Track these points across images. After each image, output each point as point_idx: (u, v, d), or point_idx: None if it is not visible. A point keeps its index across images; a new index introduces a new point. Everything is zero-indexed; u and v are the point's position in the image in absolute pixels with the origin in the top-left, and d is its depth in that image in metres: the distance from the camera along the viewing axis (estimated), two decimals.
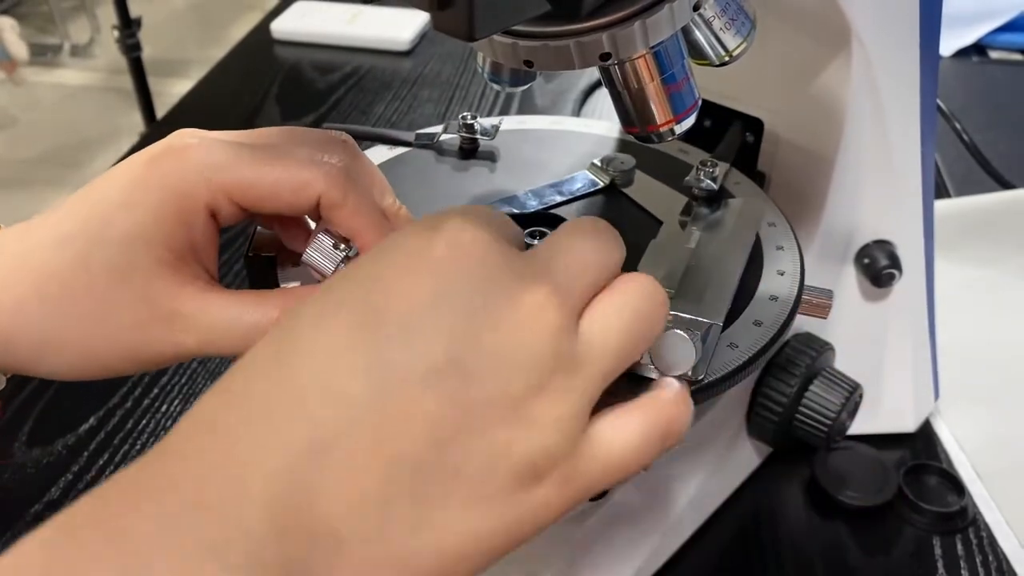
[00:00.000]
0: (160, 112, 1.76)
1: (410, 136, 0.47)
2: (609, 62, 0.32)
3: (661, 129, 0.35)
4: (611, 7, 0.31)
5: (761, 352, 0.34)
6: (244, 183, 0.32)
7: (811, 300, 0.39)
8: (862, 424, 0.57)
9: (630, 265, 0.38)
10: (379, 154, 0.47)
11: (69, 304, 0.32)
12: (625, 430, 0.28)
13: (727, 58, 0.37)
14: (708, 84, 0.51)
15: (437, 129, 0.48)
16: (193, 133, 0.33)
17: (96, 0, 2.97)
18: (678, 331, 0.31)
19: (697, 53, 0.37)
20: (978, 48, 1.07)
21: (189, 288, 0.32)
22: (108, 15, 1.64)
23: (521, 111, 0.96)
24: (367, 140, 0.48)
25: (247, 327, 0.32)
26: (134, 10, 1.74)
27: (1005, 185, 0.78)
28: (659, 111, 0.34)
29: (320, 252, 0.34)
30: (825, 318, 0.40)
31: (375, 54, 1.08)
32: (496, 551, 0.26)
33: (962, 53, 1.06)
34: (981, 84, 1.02)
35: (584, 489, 0.27)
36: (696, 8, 0.32)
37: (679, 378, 0.32)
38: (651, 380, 0.31)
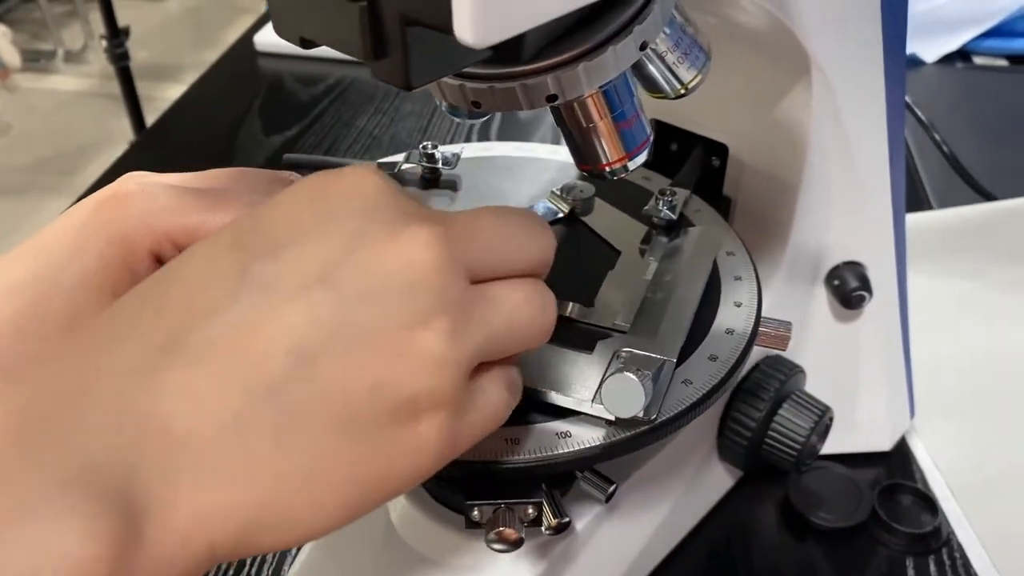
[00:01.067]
0: (151, 118, 1.76)
1: (371, 166, 0.47)
2: (556, 103, 0.32)
3: (614, 166, 0.35)
4: (555, 49, 0.31)
5: (716, 388, 0.34)
6: (188, 228, 0.32)
7: (769, 332, 0.39)
8: (836, 443, 0.57)
9: (587, 295, 0.39)
10: None
11: (22, 352, 0.32)
12: (497, 384, 0.28)
13: (683, 91, 0.37)
14: (673, 109, 0.51)
15: (398, 158, 0.48)
16: (138, 179, 0.33)
17: (89, 6, 2.97)
18: (628, 373, 0.30)
19: (652, 87, 0.37)
20: (962, 54, 1.06)
21: None
22: (101, 22, 1.64)
23: (503, 128, 0.96)
24: (327, 170, 0.48)
25: None
26: (128, 16, 1.74)
27: (986, 197, 0.78)
28: (610, 149, 0.34)
29: None
30: (784, 350, 0.40)
31: (358, 66, 1.07)
32: (368, 487, 0.25)
33: (946, 59, 1.05)
34: (965, 91, 1.01)
35: (465, 438, 0.27)
36: (643, 47, 0.32)
37: (631, 420, 0.32)
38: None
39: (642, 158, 0.35)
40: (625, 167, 0.35)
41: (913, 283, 0.61)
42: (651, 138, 0.35)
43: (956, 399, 0.63)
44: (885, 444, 0.59)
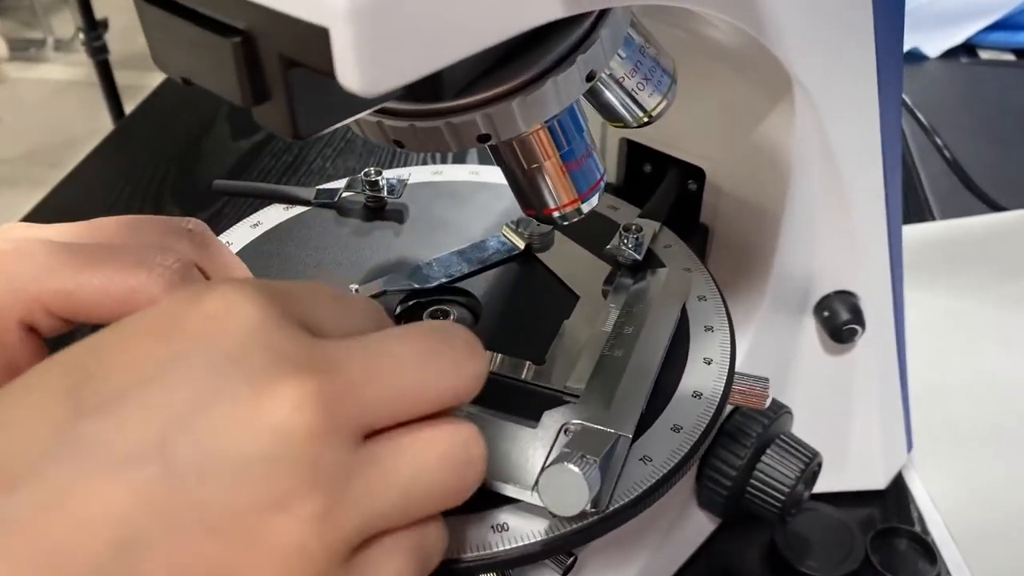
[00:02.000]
0: (130, 108, 1.72)
1: (309, 193, 0.43)
2: (490, 143, 0.27)
3: (564, 210, 0.31)
4: (485, 83, 0.26)
5: (679, 467, 0.30)
6: (61, 293, 0.27)
7: (743, 391, 0.34)
8: (827, 482, 0.52)
9: (538, 349, 0.34)
10: (274, 215, 0.43)
11: None
12: (395, 558, 0.23)
13: (646, 119, 0.33)
14: (647, 129, 0.46)
15: (339, 185, 0.43)
16: (12, 234, 0.29)
17: None
18: (568, 464, 0.26)
19: (611, 115, 0.33)
20: (967, 48, 1.01)
21: None
22: (93, 8, 1.59)
23: None
24: (260, 198, 0.43)
25: None
26: (112, 4, 1.69)
27: (992, 207, 0.73)
28: (559, 192, 0.30)
29: None
30: (762, 408, 0.35)
31: None
32: None
33: (950, 54, 1.00)
34: (970, 88, 0.96)
35: None
36: (591, 78, 0.27)
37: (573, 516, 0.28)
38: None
39: (595, 199, 0.31)
40: (578, 210, 0.31)
41: (912, 301, 0.57)
42: (604, 176, 0.31)
43: (958, 430, 0.58)
44: (880, 482, 0.55)
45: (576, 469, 0.26)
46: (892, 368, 0.52)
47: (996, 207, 0.73)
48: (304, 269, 0.40)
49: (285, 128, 0.23)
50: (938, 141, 0.75)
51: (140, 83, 2.34)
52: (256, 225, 0.42)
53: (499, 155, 0.30)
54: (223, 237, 0.41)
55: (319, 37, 0.19)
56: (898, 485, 0.56)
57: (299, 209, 0.43)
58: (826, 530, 0.52)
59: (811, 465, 0.46)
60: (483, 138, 0.27)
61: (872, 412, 0.52)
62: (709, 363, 0.34)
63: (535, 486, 0.28)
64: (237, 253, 0.40)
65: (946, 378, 0.61)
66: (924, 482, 0.56)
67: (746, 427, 0.46)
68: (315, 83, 0.22)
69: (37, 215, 0.79)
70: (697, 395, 0.32)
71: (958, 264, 0.69)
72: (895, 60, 0.42)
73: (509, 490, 0.29)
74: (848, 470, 0.54)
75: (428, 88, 0.25)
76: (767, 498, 0.46)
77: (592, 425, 0.30)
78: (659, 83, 0.32)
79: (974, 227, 0.71)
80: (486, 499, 0.29)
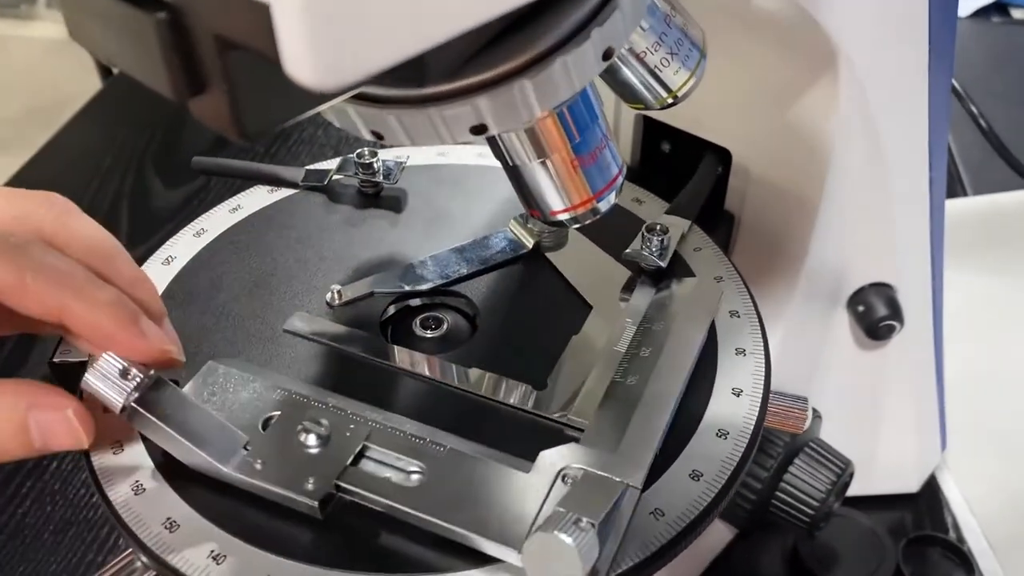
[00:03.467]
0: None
1: (298, 174, 0.38)
2: (486, 134, 0.23)
3: (577, 211, 0.26)
4: (481, 62, 0.22)
5: (696, 523, 0.26)
6: None
7: (779, 413, 0.30)
8: (857, 486, 0.48)
9: (539, 370, 0.30)
10: (257, 198, 0.38)
11: None
12: None
13: (670, 100, 0.28)
14: None
15: (330, 165, 0.38)
16: None
17: None
18: (560, 534, 0.22)
19: (630, 95, 0.28)
20: (999, 6, 0.95)
21: None
22: None
23: None
24: (241, 179, 0.38)
25: None
26: None
27: None
28: (569, 190, 0.25)
29: (102, 380, 0.25)
30: (800, 431, 0.31)
31: None
32: None
33: (981, 13, 0.95)
34: (1002, 49, 0.91)
35: None
36: (607, 56, 0.22)
37: None
38: None
39: (613, 197, 0.26)
40: (593, 211, 0.26)
41: (944, 283, 0.52)
42: (623, 171, 0.26)
43: (994, 425, 0.54)
44: (912, 485, 0.51)
45: (568, 540, 0.21)
46: (928, 363, 0.48)
47: None
48: (286, 261, 0.35)
49: (227, 125, 0.18)
50: (972, 108, 0.70)
51: None
52: (235, 209, 0.37)
53: (498, 148, 0.25)
54: (197, 223, 0.37)
55: (259, 13, 0.15)
56: (931, 488, 0.52)
57: (285, 192, 0.38)
58: (854, 538, 0.48)
59: (843, 476, 0.42)
60: (478, 129, 0.22)
61: (906, 410, 0.48)
62: (738, 395, 0.29)
63: (523, 547, 0.24)
64: (209, 244, 0.36)
65: (979, 368, 0.57)
66: (959, 484, 0.52)
67: (772, 433, 0.42)
68: (263, 68, 0.17)
69: (19, 183, 0.75)
70: (722, 434, 0.28)
71: (992, 244, 0.65)
72: (948, 30, 0.37)
73: (493, 549, 0.24)
74: (878, 472, 0.50)
75: (411, 70, 0.20)
76: (795, 512, 0.42)
77: (595, 471, 0.25)
78: (686, 58, 0.27)
79: (1010, 203, 0.66)
80: (468, 556, 0.25)
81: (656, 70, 0.27)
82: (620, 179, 0.26)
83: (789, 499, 0.42)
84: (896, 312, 0.43)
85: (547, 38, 0.22)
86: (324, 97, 0.18)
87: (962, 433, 0.53)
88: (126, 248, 0.30)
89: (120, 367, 0.25)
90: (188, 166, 0.40)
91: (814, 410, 0.44)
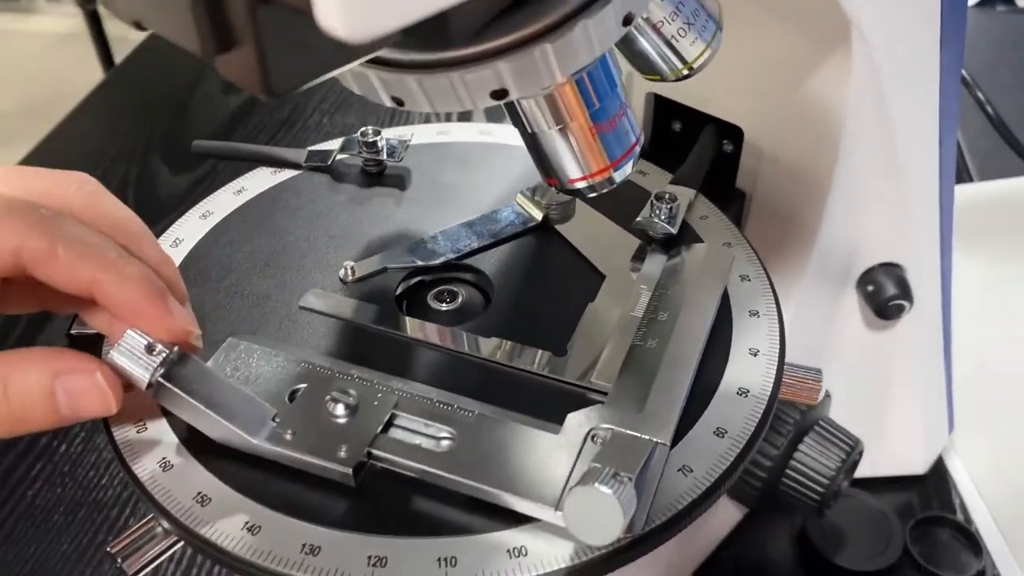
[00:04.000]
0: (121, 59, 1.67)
1: (300, 155, 0.38)
2: (506, 99, 0.23)
3: (594, 179, 0.26)
4: (505, 24, 0.22)
5: (724, 477, 0.26)
6: None
7: (794, 384, 0.30)
8: (864, 467, 0.48)
9: (558, 337, 0.31)
10: (260, 179, 0.38)
11: None
12: None
13: (685, 71, 0.28)
14: (674, 83, 0.41)
15: (333, 146, 0.39)
16: None
17: None
18: (600, 486, 0.22)
19: (645, 66, 0.28)
20: None
21: None
22: None
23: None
24: (245, 160, 0.39)
25: None
26: None
27: None
28: (587, 158, 0.26)
29: (127, 356, 0.25)
30: (814, 403, 0.31)
31: None
32: None
33: (987, 2, 0.95)
34: (1009, 38, 0.91)
35: None
36: (628, 21, 0.22)
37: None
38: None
39: (630, 167, 0.27)
40: (610, 180, 0.26)
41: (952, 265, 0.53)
42: (640, 140, 0.26)
43: (1002, 408, 0.54)
44: (919, 467, 0.51)
45: (609, 491, 0.22)
46: (936, 344, 0.48)
47: None
48: (294, 241, 0.35)
49: (255, 82, 0.18)
50: (980, 96, 0.70)
51: (132, 34, 2.28)
52: (240, 192, 0.37)
53: (516, 114, 0.25)
54: (202, 205, 0.37)
55: None
56: (938, 470, 0.52)
57: (288, 173, 0.38)
58: (862, 519, 0.49)
59: (852, 454, 0.43)
60: (499, 94, 0.22)
61: (914, 391, 0.49)
62: (755, 354, 0.30)
63: (559, 504, 0.24)
64: (216, 225, 0.36)
65: (987, 353, 0.57)
66: (966, 466, 0.52)
67: (782, 412, 0.42)
68: (292, 25, 0.17)
69: None
70: (743, 392, 0.28)
71: (999, 230, 0.65)
72: (960, 9, 0.37)
73: (528, 508, 0.25)
74: (886, 454, 0.50)
75: (433, 33, 0.20)
76: (805, 490, 0.42)
77: (624, 431, 0.26)
78: (703, 29, 0.28)
79: (1017, 189, 0.67)
80: (501, 517, 0.25)
81: (673, 40, 0.27)
82: (637, 148, 0.26)
83: (799, 477, 0.42)
84: (906, 292, 0.43)
85: (569, 2, 0.22)
86: (352, 53, 0.18)
87: (970, 416, 0.53)
88: None
89: (146, 343, 0.25)
90: (193, 155, 0.40)
91: (824, 389, 0.44)
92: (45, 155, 0.79)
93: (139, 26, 0.20)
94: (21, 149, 0.85)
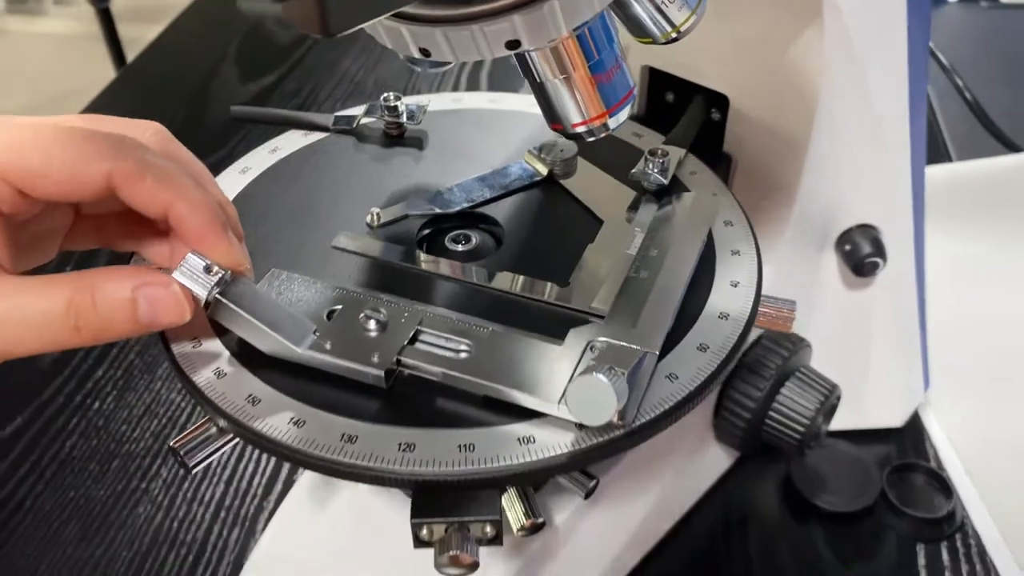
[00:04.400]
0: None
1: (328, 119, 0.42)
2: (519, 50, 0.27)
3: (592, 124, 0.30)
4: None
5: (705, 385, 0.30)
6: (18, 163, 0.28)
7: (770, 313, 0.34)
8: (844, 419, 0.52)
9: (562, 272, 0.34)
10: (292, 141, 0.42)
11: None
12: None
13: (674, 34, 0.32)
14: (669, 56, 0.45)
15: (357, 111, 0.42)
16: None
17: None
18: (598, 374, 0.26)
19: (638, 30, 0.32)
20: None
21: None
22: None
23: (495, 73, 0.90)
24: (278, 124, 0.42)
25: (35, 316, 0.28)
26: None
27: (1010, 147, 0.72)
28: (587, 104, 0.29)
29: (188, 276, 0.29)
30: (787, 331, 0.35)
31: None
32: None
33: None
34: (990, 32, 0.95)
35: None
36: None
37: (604, 424, 0.27)
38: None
39: (624, 114, 0.30)
40: (605, 126, 0.30)
41: (929, 243, 0.56)
42: (634, 91, 0.30)
43: (975, 370, 0.58)
44: (896, 420, 0.55)
45: (605, 379, 0.26)
46: (911, 304, 0.52)
47: (1015, 148, 0.72)
48: (324, 193, 0.39)
49: (314, 25, 0.22)
50: (958, 82, 0.74)
51: (140, 35, 2.32)
52: (274, 151, 0.41)
53: (527, 66, 0.29)
54: (241, 162, 0.40)
55: None
56: (915, 424, 0.55)
57: (317, 136, 0.42)
58: (842, 466, 0.52)
59: (830, 398, 0.46)
60: (512, 44, 0.26)
61: (890, 348, 0.52)
62: (736, 285, 0.33)
63: (561, 400, 0.28)
64: (254, 179, 0.40)
65: (960, 318, 0.61)
66: (940, 421, 0.55)
67: (765, 359, 0.46)
68: None
69: None
70: (724, 316, 0.32)
71: (976, 205, 0.69)
72: None
73: (535, 403, 0.28)
74: (865, 407, 0.54)
75: None
76: (787, 430, 0.46)
77: (618, 343, 0.29)
78: None
79: (993, 168, 0.70)
80: (512, 413, 0.29)
81: (662, 6, 0.31)
82: (630, 98, 0.30)
83: (781, 419, 0.46)
84: (880, 250, 0.47)
85: None
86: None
87: (944, 375, 0.57)
88: None
89: (204, 264, 0.29)
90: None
91: (804, 339, 0.48)
92: None
93: None
94: None
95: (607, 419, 0.26)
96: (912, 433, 0.55)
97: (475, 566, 0.28)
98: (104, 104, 0.89)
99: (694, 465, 0.48)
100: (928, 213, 0.59)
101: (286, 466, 0.54)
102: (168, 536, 0.50)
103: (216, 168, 0.50)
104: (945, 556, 0.48)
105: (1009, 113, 0.76)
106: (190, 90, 0.90)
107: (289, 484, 0.52)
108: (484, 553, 0.38)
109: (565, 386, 0.28)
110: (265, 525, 0.50)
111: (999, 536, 0.49)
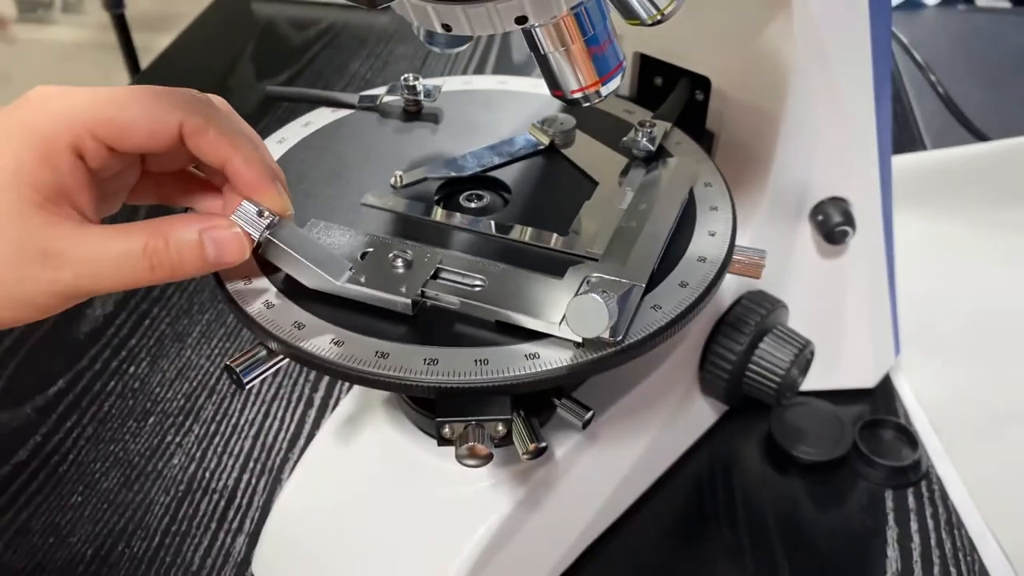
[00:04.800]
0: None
1: (354, 98, 0.47)
2: (526, 25, 0.32)
3: (587, 91, 0.35)
4: None
5: (684, 313, 0.35)
6: (103, 118, 0.32)
7: (742, 260, 0.39)
8: (821, 380, 0.57)
9: (562, 224, 0.39)
10: (322, 116, 0.47)
11: None
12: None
13: (659, 16, 0.37)
14: (657, 42, 0.50)
15: (380, 91, 0.48)
16: (53, 86, 0.34)
17: None
18: (593, 294, 0.31)
19: (628, 12, 0.37)
20: None
21: (60, 228, 0.32)
22: None
23: (497, 68, 0.95)
24: (310, 103, 0.48)
25: (116, 256, 0.32)
26: None
27: (980, 137, 0.78)
28: (583, 73, 0.34)
29: (243, 219, 0.34)
30: (758, 278, 0.40)
31: (350, 10, 1.06)
32: None
33: (948, 2, 1.04)
34: (967, 34, 1.00)
35: None
36: None
37: (597, 342, 0.32)
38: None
39: (615, 83, 0.35)
40: (598, 92, 0.35)
41: (903, 223, 0.61)
42: (623, 64, 0.35)
43: (942, 339, 0.63)
44: (869, 381, 0.59)
45: (598, 298, 0.31)
46: (881, 272, 0.57)
47: (984, 138, 0.77)
48: (352, 160, 0.44)
49: None
50: (932, 78, 0.79)
51: (148, 44, 2.37)
52: (307, 125, 0.46)
53: (532, 39, 0.34)
54: (278, 134, 0.46)
55: None
56: (886, 386, 0.60)
57: (344, 112, 0.47)
58: (818, 421, 0.57)
59: (804, 352, 0.51)
60: (521, 20, 0.31)
61: (863, 313, 0.57)
62: (713, 235, 0.38)
63: (562, 321, 0.33)
64: (290, 149, 0.45)
65: (929, 291, 0.66)
66: (910, 383, 0.60)
67: (745, 317, 0.51)
68: None
69: None
70: (702, 259, 0.37)
71: (946, 190, 0.74)
72: None
73: (539, 325, 0.33)
74: (840, 369, 0.58)
75: None
76: (765, 380, 0.51)
77: (610, 277, 0.34)
78: None
79: (964, 156, 0.76)
80: (520, 335, 0.34)
81: None
82: (621, 69, 0.35)
83: (760, 370, 0.51)
84: (849, 220, 0.52)
85: None
86: None
87: (915, 343, 0.61)
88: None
89: (257, 209, 0.34)
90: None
91: (780, 300, 0.53)
92: None
93: None
94: None
95: (600, 332, 0.31)
96: (884, 394, 0.60)
97: (490, 457, 0.32)
98: None
99: (683, 415, 0.53)
100: (903, 196, 0.64)
101: (308, 423, 0.58)
102: (201, 484, 0.55)
103: None
104: (911, 501, 0.53)
105: (981, 106, 0.82)
106: (210, 83, 0.95)
107: (311, 439, 0.57)
108: (491, 483, 0.43)
109: (564, 311, 0.33)
110: (290, 473, 0.54)
111: (959, 482, 0.54)
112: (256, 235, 0.34)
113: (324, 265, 0.35)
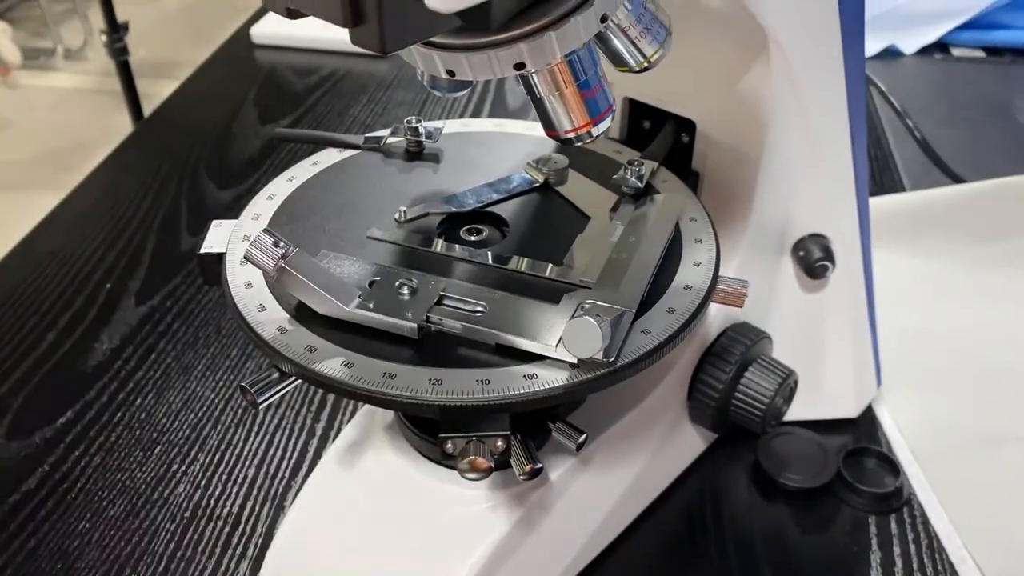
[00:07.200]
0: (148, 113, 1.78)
1: (358, 139, 0.50)
2: (524, 71, 0.34)
3: (579, 131, 0.38)
4: (524, 20, 0.33)
5: (672, 337, 0.37)
6: None
7: (726, 289, 0.41)
8: (805, 410, 0.59)
9: (557, 255, 0.42)
10: (329, 156, 0.50)
11: None
12: None
13: (646, 64, 0.40)
14: (646, 88, 0.53)
15: (384, 132, 0.51)
16: None
17: (88, 4, 2.99)
18: (587, 317, 0.33)
19: (618, 60, 0.40)
20: (940, 46, 1.09)
21: None
22: (100, 18, 1.67)
23: (493, 112, 0.98)
24: (315, 143, 0.50)
25: None
26: (125, 13, 1.77)
27: (956, 179, 0.81)
28: (576, 115, 0.37)
29: (260, 250, 0.36)
30: (741, 307, 0.42)
31: (352, 57, 1.10)
32: None
33: (925, 51, 1.08)
34: (943, 81, 1.04)
35: None
36: (603, 20, 0.34)
37: (590, 360, 0.35)
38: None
39: (605, 125, 0.38)
40: (589, 133, 0.38)
41: (883, 261, 0.64)
42: (613, 107, 0.38)
43: (922, 370, 0.65)
44: (851, 411, 0.61)
45: (593, 320, 0.33)
46: (862, 306, 0.59)
47: (959, 180, 0.80)
48: (358, 197, 0.47)
49: (376, 44, 0.30)
50: (910, 123, 0.83)
51: (156, 90, 2.41)
52: (315, 164, 0.49)
53: (529, 84, 0.37)
54: (288, 172, 0.48)
55: None
56: (868, 416, 0.62)
57: (350, 152, 0.50)
58: (803, 450, 0.59)
59: (787, 381, 0.53)
60: (519, 66, 0.34)
61: (845, 345, 0.59)
62: (698, 265, 0.41)
63: (558, 344, 0.35)
64: (300, 185, 0.47)
65: (910, 326, 0.68)
66: (891, 413, 0.62)
67: (731, 348, 0.53)
68: (402, 6, 0.29)
69: (60, 213, 0.85)
70: (688, 287, 0.40)
71: (924, 230, 0.77)
72: (858, 21, 0.49)
73: (537, 348, 0.36)
74: (823, 400, 0.60)
75: (477, 25, 0.32)
76: (750, 408, 0.53)
77: (603, 303, 0.37)
78: (656, 34, 0.39)
79: (941, 197, 0.79)
80: (519, 357, 0.36)
81: (635, 41, 0.39)
82: (611, 112, 0.38)
83: (745, 398, 0.53)
84: (829, 256, 0.55)
85: (566, 4, 0.34)
86: (440, 23, 0.30)
87: (896, 375, 0.64)
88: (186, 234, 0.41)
89: (272, 239, 0.37)
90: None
91: (764, 332, 0.55)
92: (92, 184, 0.90)
93: (292, 14, 0.32)
94: (38, 194, 0.93)
95: (594, 352, 0.33)
96: (867, 423, 0.61)
97: (490, 470, 0.35)
98: (123, 157, 0.94)
99: (672, 442, 0.55)
100: (885, 234, 0.66)
101: (311, 451, 0.60)
102: (206, 511, 0.56)
103: (243, 197, 0.57)
104: (894, 527, 0.55)
105: (957, 150, 0.85)
106: (214, 128, 0.98)
107: (313, 467, 0.58)
108: (488, 505, 0.44)
109: (559, 335, 0.35)
110: (293, 499, 0.56)
111: (941, 510, 0.56)
112: (271, 263, 0.36)
113: (335, 292, 0.37)
